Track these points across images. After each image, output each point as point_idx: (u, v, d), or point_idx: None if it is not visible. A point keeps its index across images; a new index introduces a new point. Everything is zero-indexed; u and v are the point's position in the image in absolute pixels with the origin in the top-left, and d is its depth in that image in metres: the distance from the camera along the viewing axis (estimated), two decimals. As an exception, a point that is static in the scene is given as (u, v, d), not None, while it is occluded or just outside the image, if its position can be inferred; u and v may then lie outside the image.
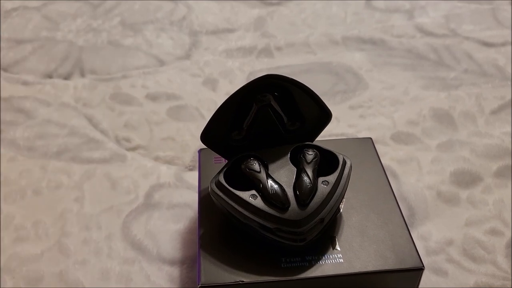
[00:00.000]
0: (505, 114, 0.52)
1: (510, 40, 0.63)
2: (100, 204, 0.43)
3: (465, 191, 0.44)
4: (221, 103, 0.33)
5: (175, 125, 0.52)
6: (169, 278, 0.38)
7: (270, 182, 0.32)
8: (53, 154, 0.48)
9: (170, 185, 0.45)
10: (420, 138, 0.49)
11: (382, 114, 0.52)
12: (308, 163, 0.33)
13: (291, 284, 0.31)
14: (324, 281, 0.31)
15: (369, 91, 0.55)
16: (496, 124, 0.50)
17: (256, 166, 0.33)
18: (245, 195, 0.32)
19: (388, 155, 0.47)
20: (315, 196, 0.32)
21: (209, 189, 0.33)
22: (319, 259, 0.32)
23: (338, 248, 0.33)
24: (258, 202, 0.31)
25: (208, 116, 0.33)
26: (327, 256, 0.32)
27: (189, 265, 0.39)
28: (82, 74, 0.59)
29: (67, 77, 0.59)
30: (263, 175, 0.32)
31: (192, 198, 0.44)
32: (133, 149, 0.49)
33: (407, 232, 0.34)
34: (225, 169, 0.34)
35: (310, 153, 0.34)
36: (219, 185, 0.33)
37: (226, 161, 0.36)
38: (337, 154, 0.34)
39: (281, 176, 0.33)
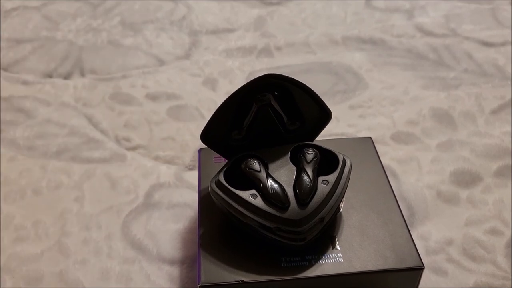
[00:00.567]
0: (505, 114, 0.52)
1: (510, 40, 0.63)
2: (100, 204, 0.43)
3: (465, 191, 0.44)
4: (221, 103, 0.33)
5: (175, 125, 0.52)
6: (169, 277, 0.38)
7: (270, 181, 0.32)
8: (53, 154, 0.48)
9: (170, 184, 0.45)
10: (420, 138, 0.49)
11: (382, 114, 0.52)
12: (308, 163, 0.33)
13: (291, 283, 0.31)
14: (324, 280, 0.31)
15: (369, 91, 0.55)
16: (496, 124, 0.50)
17: (256, 165, 0.33)
18: (245, 194, 0.32)
19: (388, 154, 0.47)
20: (315, 196, 0.32)
21: (209, 188, 0.33)
22: (319, 259, 0.32)
23: (338, 248, 0.33)
24: (258, 201, 0.31)
25: (208, 115, 0.33)
26: (327, 256, 0.32)
27: (189, 264, 0.39)
28: (82, 74, 0.59)
29: (67, 76, 0.59)
30: (263, 174, 0.32)
31: (192, 197, 0.44)
32: (133, 149, 0.49)
33: (407, 231, 0.34)
34: (225, 168, 0.34)
35: (310, 152, 0.34)
36: (219, 184, 0.33)
37: (226, 160, 0.36)
38: (337, 153, 0.34)
39: (281, 175, 0.33)
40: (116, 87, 0.57)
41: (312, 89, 0.35)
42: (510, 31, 0.64)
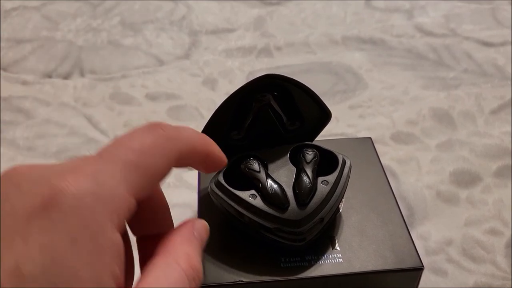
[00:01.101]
0: (505, 113, 0.52)
1: (509, 40, 0.63)
2: (100, 204, 0.43)
3: (465, 191, 0.44)
4: (220, 103, 0.33)
5: (174, 124, 0.52)
6: (168, 278, 0.38)
7: (269, 182, 0.32)
8: (52, 154, 0.48)
9: (170, 185, 0.45)
10: (419, 138, 0.49)
11: (381, 114, 0.52)
12: (308, 163, 0.33)
13: (291, 283, 0.31)
14: (323, 281, 0.31)
15: (368, 91, 0.55)
16: (495, 124, 0.50)
17: (255, 166, 0.33)
18: (245, 195, 0.32)
19: (388, 155, 0.47)
20: (315, 196, 0.31)
21: (209, 189, 0.33)
22: (318, 259, 0.32)
23: (338, 248, 0.33)
24: (258, 202, 0.31)
25: (208, 116, 0.33)
26: (326, 256, 0.32)
27: (189, 265, 0.39)
28: (82, 74, 0.59)
29: (66, 76, 0.59)
30: (262, 175, 0.32)
31: (191, 198, 0.43)
32: (133, 149, 0.49)
33: (406, 232, 0.34)
34: (224, 169, 0.34)
35: (310, 153, 0.34)
36: (218, 185, 0.33)
37: (226, 160, 0.36)
38: (336, 153, 0.34)
39: (280, 176, 0.33)
40: (115, 87, 0.57)
41: (312, 89, 0.35)
42: (510, 31, 0.64)
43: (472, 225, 0.41)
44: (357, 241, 0.33)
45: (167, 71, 0.59)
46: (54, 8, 0.71)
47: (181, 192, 0.44)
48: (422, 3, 0.70)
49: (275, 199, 0.31)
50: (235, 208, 0.32)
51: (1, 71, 0.60)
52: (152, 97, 0.55)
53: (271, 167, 0.34)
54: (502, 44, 0.62)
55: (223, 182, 0.32)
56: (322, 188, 0.32)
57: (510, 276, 0.37)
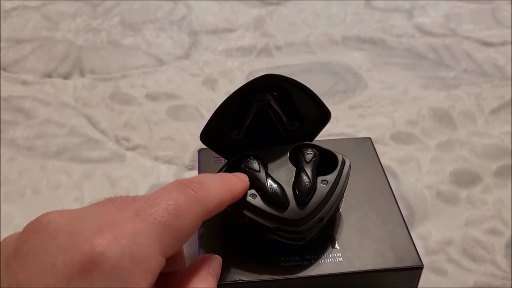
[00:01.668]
0: (505, 113, 0.52)
1: (509, 39, 0.63)
2: (100, 203, 0.43)
3: (465, 191, 0.44)
4: (220, 103, 0.33)
5: (174, 124, 0.52)
6: (168, 277, 0.38)
7: (269, 181, 0.32)
8: (52, 154, 0.48)
9: (170, 184, 0.45)
10: (419, 137, 0.49)
11: (381, 114, 0.52)
12: (307, 163, 0.33)
13: (291, 283, 0.31)
14: (323, 280, 0.31)
15: (368, 90, 0.55)
16: (495, 124, 0.50)
17: (255, 165, 0.33)
18: (245, 194, 0.32)
19: (388, 154, 0.47)
20: (314, 196, 0.32)
21: (209, 188, 0.33)
22: (318, 258, 0.32)
23: (338, 247, 0.33)
24: (258, 201, 0.31)
25: (208, 115, 0.33)
26: (326, 255, 0.32)
27: (189, 264, 0.39)
28: (82, 74, 0.59)
29: (66, 76, 0.59)
30: (262, 174, 0.32)
31: (191, 197, 0.43)
32: (133, 148, 0.49)
33: (406, 231, 0.34)
34: (224, 168, 0.34)
35: (309, 152, 0.34)
36: (218, 184, 0.33)
37: (226, 160, 0.36)
38: (336, 153, 0.34)
39: (280, 175, 0.33)
40: (115, 87, 0.57)
41: (312, 89, 0.35)
42: (510, 31, 0.64)
43: (472, 225, 0.41)
44: (357, 240, 0.33)
45: (167, 71, 0.59)
46: (54, 8, 0.71)
47: (181, 192, 0.44)
48: (422, 3, 0.71)
49: (275, 199, 0.31)
50: (235, 208, 0.32)
51: (1, 71, 0.60)
52: (152, 97, 0.55)
53: (271, 166, 0.34)
54: (502, 44, 0.62)
55: (223, 181, 0.32)
56: (322, 187, 0.32)
57: (510, 276, 0.37)
